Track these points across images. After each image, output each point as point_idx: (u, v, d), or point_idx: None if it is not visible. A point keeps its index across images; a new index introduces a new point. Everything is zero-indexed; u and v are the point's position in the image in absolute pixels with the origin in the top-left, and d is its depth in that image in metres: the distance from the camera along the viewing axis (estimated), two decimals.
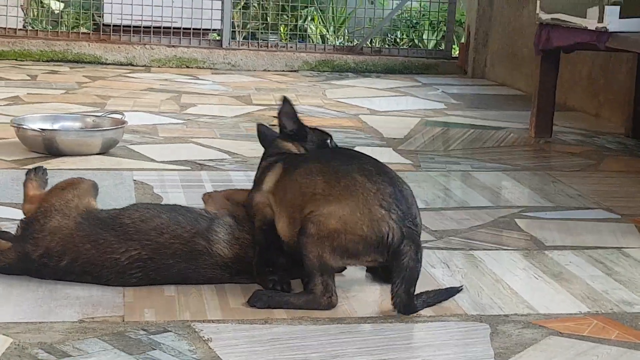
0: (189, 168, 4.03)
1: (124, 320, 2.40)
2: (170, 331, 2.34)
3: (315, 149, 2.85)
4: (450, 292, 2.65)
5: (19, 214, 2.93)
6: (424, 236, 3.15)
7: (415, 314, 2.51)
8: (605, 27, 4.28)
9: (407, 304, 2.49)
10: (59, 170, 3.84)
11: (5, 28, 7.42)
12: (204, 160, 4.18)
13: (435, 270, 2.89)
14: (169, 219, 2.62)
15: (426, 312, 2.54)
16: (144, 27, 7.51)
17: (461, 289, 2.65)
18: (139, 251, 2.57)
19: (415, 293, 2.50)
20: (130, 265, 2.56)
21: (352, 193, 2.49)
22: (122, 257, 2.56)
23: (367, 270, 2.80)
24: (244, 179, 3.74)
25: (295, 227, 2.58)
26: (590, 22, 4.37)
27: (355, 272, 2.81)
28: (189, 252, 2.60)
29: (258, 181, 2.77)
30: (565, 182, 4.08)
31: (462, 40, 8.04)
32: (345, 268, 2.73)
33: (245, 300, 2.54)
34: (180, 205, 2.74)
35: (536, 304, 2.65)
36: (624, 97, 5.42)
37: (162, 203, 2.81)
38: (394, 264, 2.49)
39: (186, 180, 3.80)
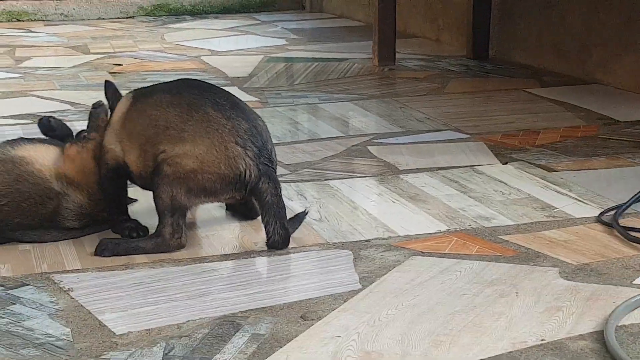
0: (31, 121, 3.89)
1: None
2: (29, 284, 2.26)
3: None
4: (300, 218, 2.65)
5: None
6: (278, 170, 3.14)
7: None
8: None
9: (285, 238, 2.48)
10: None
11: None
12: (46, 112, 4.05)
13: (293, 203, 2.88)
14: (12, 209, 2.51)
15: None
16: None
17: (307, 212, 2.66)
18: None
19: None
20: None
21: (207, 130, 2.44)
22: None
23: (226, 209, 2.76)
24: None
25: (146, 160, 2.51)
26: None
27: (214, 210, 2.77)
28: (39, 227, 2.53)
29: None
30: (412, 107, 4.12)
31: None
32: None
33: None
34: (25, 170, 2.56)
35: (396, 227, 2.67)
36: (462, 20, 5.49)
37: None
38: (259, 203, 2.48)
39: (30, 135, 3.66)
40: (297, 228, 2.61)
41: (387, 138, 3.62)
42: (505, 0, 5.24)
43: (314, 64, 5.21)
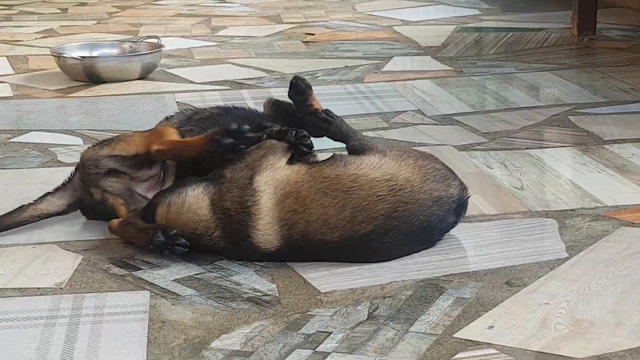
0: (229, 87, 3.97)
1: None
2: None
3: None
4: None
5: (68, 140, 3.18)
6: (477, 138, 3.11)
7: (478, 214, 2.45)
8: None
9: None
10: (101, 97, 3.84)
11: None
12: (243, 79, 4.12)
13: (493, 170, 2.82)
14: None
15: (489, 210, 2.49)
16: None
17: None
18: None
19: None
20: None
21: None
22: None
23: None
24: (284, 96, 3.65)
25: None
26: None
27: None
28: None
29: None
30: (616, 77, 3.97)
31: None
32: None
33: None
34: None
35: (603, 197, 2.57)
36: None
37: None
38: None
39: (228, 100, 3.72)
40: None
41: (590, 108, 3.50)
42: None
43: (509, 34, 5.10)
